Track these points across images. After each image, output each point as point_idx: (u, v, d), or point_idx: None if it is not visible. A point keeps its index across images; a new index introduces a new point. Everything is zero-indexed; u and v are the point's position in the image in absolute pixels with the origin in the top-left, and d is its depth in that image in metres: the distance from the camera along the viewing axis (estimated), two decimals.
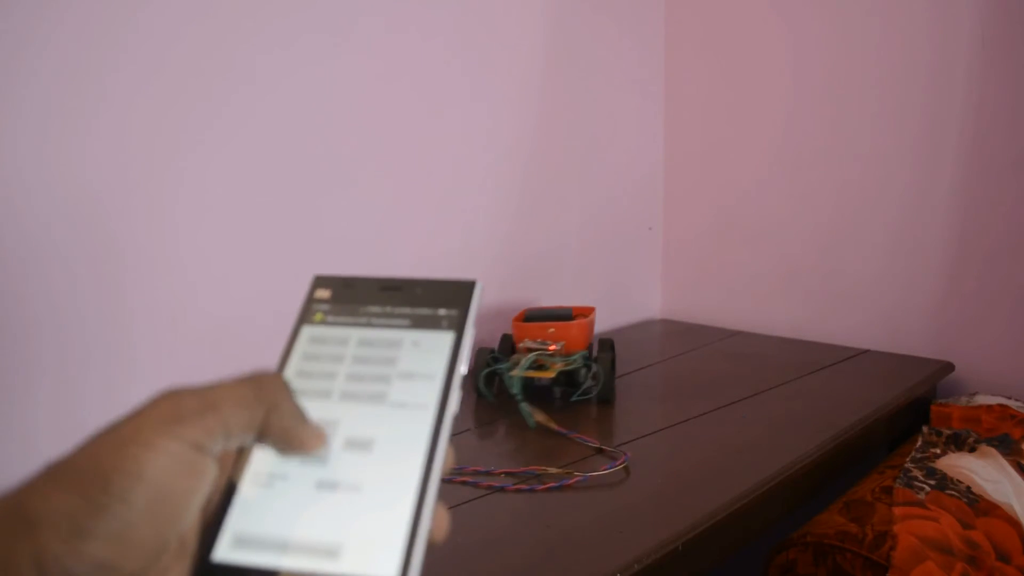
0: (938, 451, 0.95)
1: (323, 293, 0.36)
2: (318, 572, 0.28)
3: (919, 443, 0.97)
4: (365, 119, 1.04)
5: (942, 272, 1.18)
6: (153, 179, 0.85)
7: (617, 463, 0.79)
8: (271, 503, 0.30)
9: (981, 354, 1.14)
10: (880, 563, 0.74)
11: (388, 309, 0.35)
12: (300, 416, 0.31)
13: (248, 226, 0.94)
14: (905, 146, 1.19)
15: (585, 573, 0.61)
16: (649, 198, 1.50)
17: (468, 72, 1.16)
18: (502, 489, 0.76)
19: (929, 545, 0.75)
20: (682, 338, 1.35)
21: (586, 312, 1.10)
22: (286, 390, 0.31)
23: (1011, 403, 1.02)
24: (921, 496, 0.83)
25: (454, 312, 0.35)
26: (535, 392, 1.00)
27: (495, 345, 1.11)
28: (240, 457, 0.31)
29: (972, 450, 0.94)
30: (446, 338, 0.34)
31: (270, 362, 0.35)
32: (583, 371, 1.00)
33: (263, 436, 0.30)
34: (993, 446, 0.93)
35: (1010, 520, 0.83)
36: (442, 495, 0.30)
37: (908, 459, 0.92)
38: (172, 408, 0.27)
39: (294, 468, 0.31)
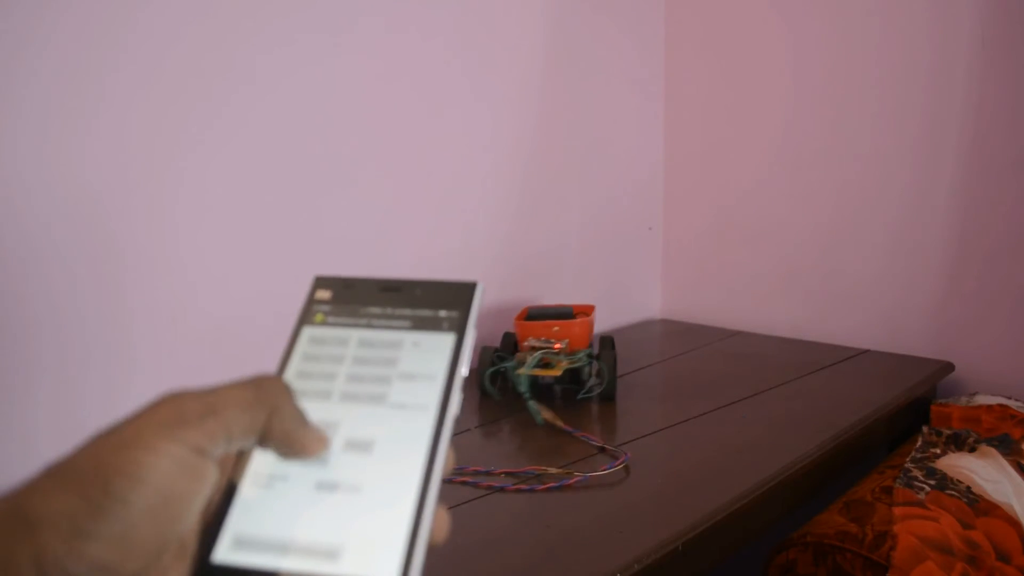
0: (938, 451, 0.95)
1: (323, 294, 0.36)
2: (318, 573, 0.28)
3: (919, 443, 0.97)
4: (365, 119, 1.04)
5: (942, 272, 1.18)
6: (153, 179, 0.85)
7: (617, 463, 0.79)
8: (271, 504, 0.30)
9: (981, 354, 1.14)
10: (880, 563, 0.74)
11: (388, 310, 0.35)
12: (301, 420, 0.31)
13: (248, 226, 0.94)
14: (905, 146, 1.19)
15: (585, 573, 0.61)
16: (649, 198, 1.50)
17: (468, 72, 1.16)
18: (502, 489, 0.76)
19: (929, 545, 0.75)
20: (682, 338, 1.35)
21: (587, 311, 1.11)
22: (287, 393, 0.31)
23: (1011, 403, 1.02)
24: (921, 496, 0.83)
25: (455, 313, 0.34)
26: (538, 390, 1.01)
27: (494, 344, 1.11)
28: (240, 458, 0.31)
29: (972, 450, 0.94)
30: (447, 339, 0.34)
31: (270, 362, 0.35)
32: (587, 369, 1.01)
33: (265, 440, 0.30)
34: (993, 446, 0.93)
35: (1010, 520, 0.83)
36: (442, 495, 0.30)
37: (908, 459, 0.92)
38: (174, 411, 0.27)
39: (294, 469, 0.30)
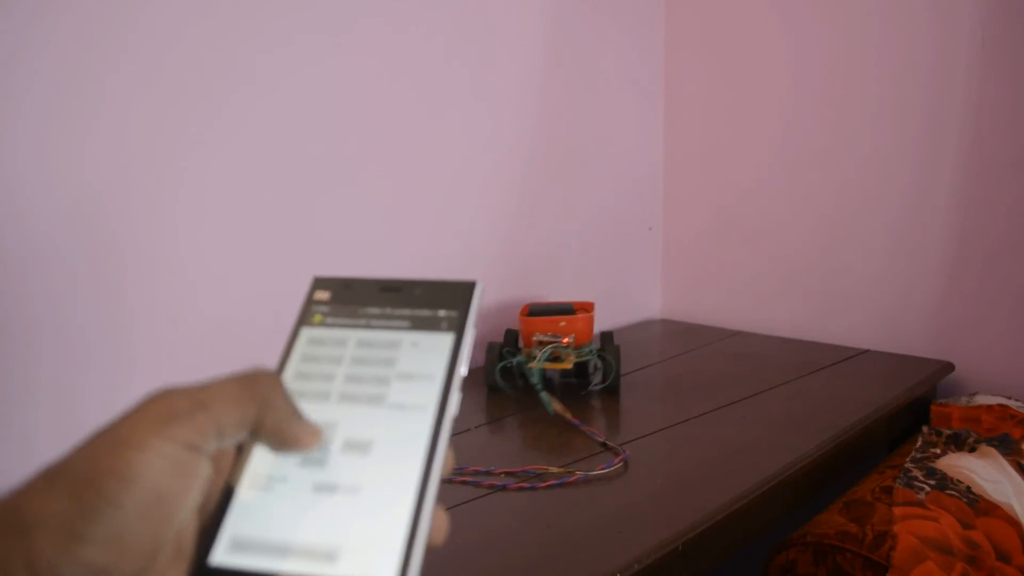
0: (938, 451, 0.95)
1: (322, 295, 0.36)
2: (316, 575, 0.28)
3: (919, 443, 0.97)
4: (365, 119, 1.04)
5: (942, 272, 1.18)
6: (153, 179, 0.85)
7: (615, 461, 0.80)
8: (269, 506, 0.29)
9: (981, 354, 1.14)
10: (880, 563, 0.74)
11: (387, 310, 0.35)
12: (293, 412, 0.31)
13: (248, 226, 0.94)
14: (905, 146, 1.19)
15: (585, 573, 0.61)
16: (649, 198, 1.50)
17: (468, 72, 1.16)
18: (504, 488, 0.76)
19: (929, 545, 0.75)
20: (682, 338, 1.35)
21: (587, 307, 1.13)
22: (279, 386, 0.30)
23: (1011, 403, 1.02)
24: (921, 496, 0.83)
25: (454, 313, 0.34)
26: (543, 384, 1.02)
27: (495, 340, 1.12)
28: (238, 460, 0.31)
29: (972, 450, 0.94)
30: (446, 339, 0.34)
31: (270, 363, 0.35)
32: (593, 362, 1.06)
33: (257, 433, 0.30)
34: (993, 446, 0.93)
35: (1010, 520, 0.83)
36: (443, 495, 0.30)
37: (908, 459, 0.92)
38: (164, 408, 0.27)
39: (292, 470, 0.30)
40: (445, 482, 0.31)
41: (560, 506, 0.72)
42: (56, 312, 0.80)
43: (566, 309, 1.10)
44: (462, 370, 0.33)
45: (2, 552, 0.24)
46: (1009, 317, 1.12)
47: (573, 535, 0.67)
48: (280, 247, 0.96)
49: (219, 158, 0.90)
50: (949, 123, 1.14)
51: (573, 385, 1.08)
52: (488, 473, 0.79)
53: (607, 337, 1.10)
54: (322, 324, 0.35)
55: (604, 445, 0.85)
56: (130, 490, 0.25)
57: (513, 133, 1.24)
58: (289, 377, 0.33)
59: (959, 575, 0.74)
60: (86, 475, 0.25)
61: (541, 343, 1.04)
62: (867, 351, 1.21)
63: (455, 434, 0.90)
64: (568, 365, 1.03)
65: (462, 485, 0.77)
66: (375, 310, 0.35)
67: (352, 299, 0.36)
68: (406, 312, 0.35)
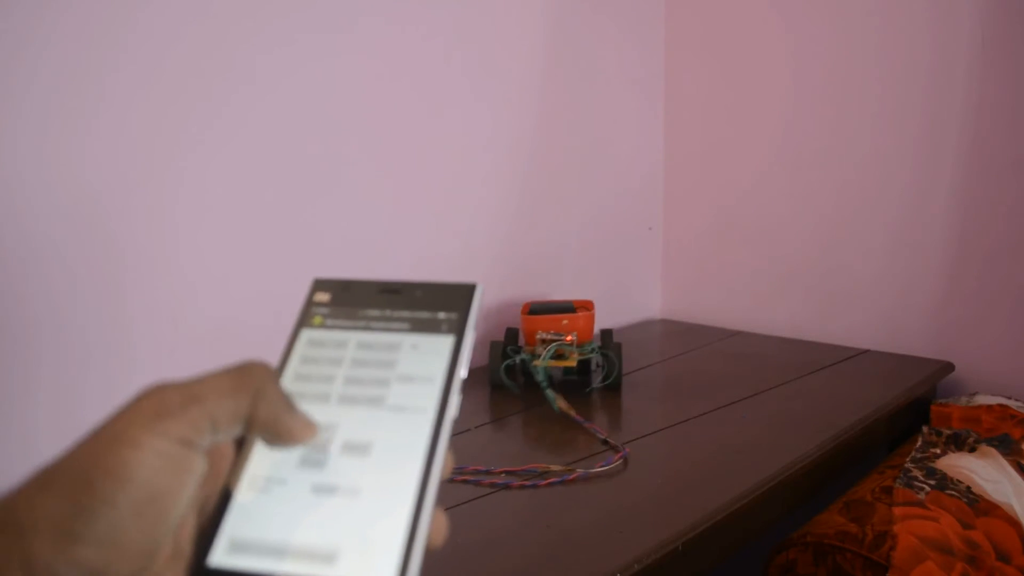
0: (938, 451, 0.95)
1: (322, 296, 0.36)
2: None
3: (919, 443, 0.97)
4: (365, 119, 1.04)
5: (942, 272, 1.18)
6: (153, 179, 0.85)
7: (614, 458, 0.80)
8: (268, 507, 0.29)
9: (981, 354, 1.14)
10: (880, 563, 0.74)
11: (387, 312, 0.35)
12: (287, 405, 0.30)
13: (248, 226, 0.94)
14: (905, 146, 1.19)
15: (585, 573, 0.61)
16: (649, 198, 1.50)
17: (468, 72, 1.16)
18: (506, 486, 0.76)
19: (929, 545, 0.75)
20: (682, 338, 1.35)
21: (587, 305, 1.13)
22: (272, 378, 0.30)
23: (1011, 403, 1.02)
24: (921, 496, 0.83)
25: (454, 316, 0.34)
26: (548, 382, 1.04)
27: (497, 340, 1.12)
28: (237, 461, 0.31)
29: (972, 450, 0.94)
30: (446, 342, 0.34)
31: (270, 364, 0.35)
32: (595, 359, 1.08)
33: (251, 427, 0.29)
34: (993, 446, 0.93)
35: (1010, 520, 0.83)
36: (443, 495, 0.30)
37: (908, 459, 0.92)
38: (156, 404, 0.27)
39: (291, 472, 0.30)
40: (446, 482, 0.31)
41: (560, 506, 0.73)
42: (56, 312, 0.80)
43: (567, 307, 1.11)
44: (462, 372, 0.33)
45: None
46: (1009, 317, 1.12)
47: (573, 535, 0.67)
48: (280, 247, 0.96)
49: (219, 158, 0.90)
50: (949, 123, 1.14)
51: (575, 383, 1.09)
52: (489, 472, 0.79)
53: (607, 334, 1.11)
54: (322, 326, 0.35)
55: (606, 442, 0.86)
56: (125, 489, 0.25)
57: (513, 133, 1.24)
58: (289, 379, 0.33)
59: (959, 575, 0.74)
60: (81, 475, 0.25)
61: (544, 341, 1.05)
62: (867, 351, 1.21)
63: (460, 432, 0.91)
64: (572, 363, 1.05)
65: (463, 484, 0.77)
66: (375, 312, 0.35)
67: (352, 301, 0.35)
68: (406, 314, 0.35)
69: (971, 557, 0.76)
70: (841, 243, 1.28)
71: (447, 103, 1.13)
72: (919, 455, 0.94)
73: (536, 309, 1.12)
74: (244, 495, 0.30)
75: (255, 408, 0.29)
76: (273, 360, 0.35)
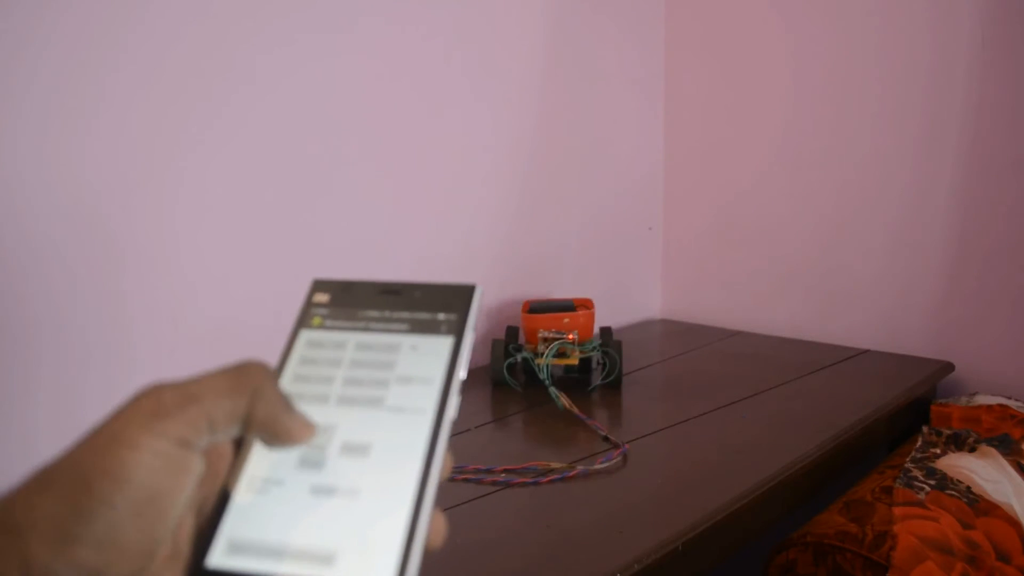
0: (938, 451, 0.95)
1: (321, 297, 0.36)
2: None
3: (919, 443, 0.97)
4: (365, 119, 1.04)
5: (942, 272, 1.18)
6: (153, 179, 0.85)
7: (614, 455, 0.81)
8: (266, 509, 0.29)
9: (981, 354, 1.14)
10: (880, 563, 0.74)
11: (387, 313, 0.35)
12: (285, 404, 0.30)
13: (248, 226, 0.94)
14: (905, 146, 1.19)
15: (585, 573, 0.61)
16: (649, 198, 1.50)
17: (468, 72, 1.16)
18: (507, 484, 0.76)
19: (929, 545, 0.75)
20: (682, 338, 1.35)
21: (587, 303, 1.14)
22: (270, 377, 0.30)
23: (1011, 403, 1.02)
24: (921, 496, 0.83)
25: (453, 317, 0.34)
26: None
27: (499, 339, 1.12)
28: (235, 462, 0.30)
29: (972, 450, 0.94)
30: (445, 343, 0.34)
31: (270, 364, 0.35)
32: (596, 357, 1.08)
33: (249, 427, 0.29)
34: (993, 446, 0.93)
35: (1010, 520, 0.83)
36: (444, 494, 0.30)
37: (908, 459, 0.92)
38: (154, 404, 0.27)
39: (290, 473, 0.30)
40: (446, 482, 0.31)
41: (561, 505, 0.73)
42: (56, 312, 0.80)
43: (567, 306, 1.12)
44: (461, 374, 0.33)
45: None
46: (1009, 317, 1.12)
47: (573, 535, 0.67)
48: (280, 247, 0.96)
49: (219, 158, 0.90)
50: (949, 123, 1.14)
51: (576, 380, 1.10)
52: (489, 471, 0.79)
53: (607, 332, 1.12)
54: (321, 327, 0.35)
55: (607, 439, 0.87)
56: (123, 490, 0.25)
57: (513, 133, 1.24)
58: (287, 380, 0.33)
59: (959, 575, 0.74)
60: (79, 476, 0.25)
61: (546, 339, 1.06)
62: (867, 351, 1.21)
63: (463, 430, 0.91)
64: (573, 361, 1.06)
65: (464, 483, 0.77)
66: (374, 313, 0.35)
67: (351, 302, 0.35)
68: (405, 315, 0.35)
69: (971, 557, 0.76)
70: (841, 243, 1.28)
71: (447, 103, 1.13)
72: (919, 455, 0.94)
73: (537, 308, 1.12)
74: (243, 496, 0.30)
75: (253, 408, 0.29)
76: (273, 360, 0.35)
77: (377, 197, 1.07)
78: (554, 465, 0.79)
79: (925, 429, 1.01)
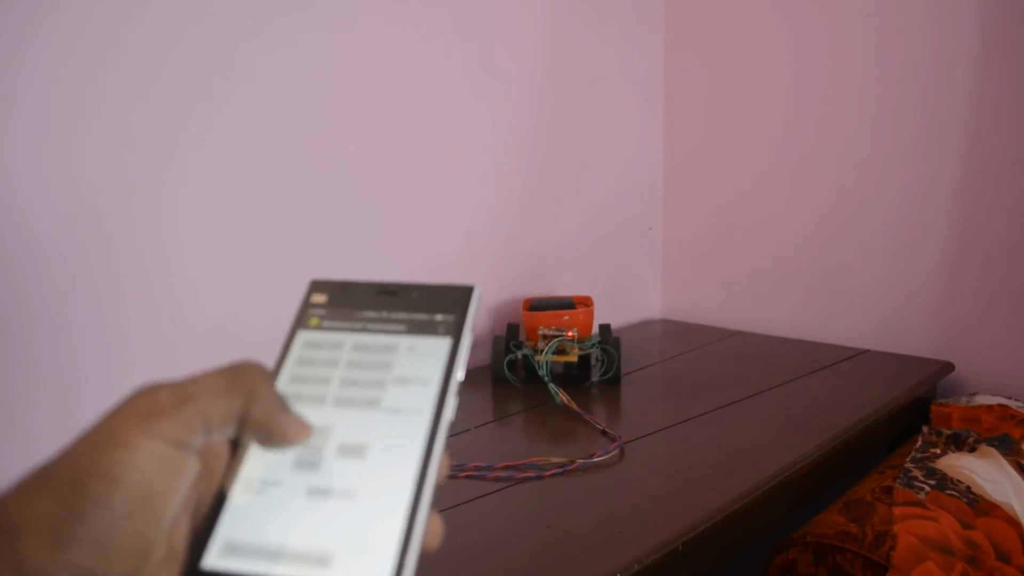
0: (938, 451, 0.95)
1: (319, 298, 0.36)
2: None
3: (919, 443, 0.97)
4: (366, 119, 1.04)
5: (942, 272, 1.18)
6: (153, 179, 0.85)
7: (611, 447, 0.82)
8: (262, 510, 0.29)
9: (981, 354, 1.14)
10: (880, 563, 0.74)
11: (384, 314, 0.35)
12: (280, 405, 0.30)
13: (248, 227, 0.94)
14: (905, 146, 1.19)
15: (585, 573, 0.61)
16: (649, 198, 1.49)
17: (468, 72, 1.16)
18: (508, 479, 0.77)
19: (929, 545, 0.75)
20: (682, 338, 1.35)
21: (586, 301, 1.15)
22: (266, 378, 0.30)
23: (1011, 403, 1.02)
24: (921, 496, 0.83)
25: (451, 318, 0.34)
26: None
27: (499, 335, 1.13)
28: (231, 463, 0.30)
29: (972, 450, 0.94)
30: (443, 344, 0.33)
31: (268, 364, 0.35)
32: (595, 354, 1.10)
33: (244, 427, 0.29)
34: (993, 446, 0.93)
35: (1010, 520, 0.83)
36: (443, 493, 0.30)
37: (908, 459, 0.92)
38: (149, 404, 0.27)
39: (286, 474, 0.30)
40: (444, 482, 0.31)
41: (560, 505, 0.73)
42: (56, 312, 0.80)
43: (567, 303, 1.13)
44: (459, 375, 0.33)
45: None
46: (1009, 317, 1.12)
47: (573, 535, 0.67)
48: (280, 247, 0.96)
49: (219, 158, 0.90)
50: (949, 123, 1.14)
51: (575, 377, 1.10)
52: (489, 468, 0.79)
53: (605, 329, 1.13)
54: (318, 327, 0.35)
55: (604, 433, 0.88)
56: (117, 490, 0.25)
57: (513, 133, 1.24)
58: (284, 380, 0.33)
59: (959, 575, 0.74)
60: (73, 476, 0.25)
61: (546, 337, 1.07)
62: (867, 351, 1.21)
63: (464, 429, 0.91)
64: (573, 358, 1.07)
65: (465, 480, 0.77)
66: (372, 314, 0.35)
67: (349, 302, 0.35)
68: (403, 316, 0.35)
69: (971, 557, 0.76)
70: (841, 243, 1.28)
71: (447, 103, 1.13)
72: (919, 455, 0.94)
73: (537, 305, 1.13)
74: (239, 497, 0.30)
75: (248, 408, 0.29)
76: (272, 360, 0.35)
77: (377, 197, 1.07)
78: (554, 459, 0.79)
79: (925, 429, 1.01)
